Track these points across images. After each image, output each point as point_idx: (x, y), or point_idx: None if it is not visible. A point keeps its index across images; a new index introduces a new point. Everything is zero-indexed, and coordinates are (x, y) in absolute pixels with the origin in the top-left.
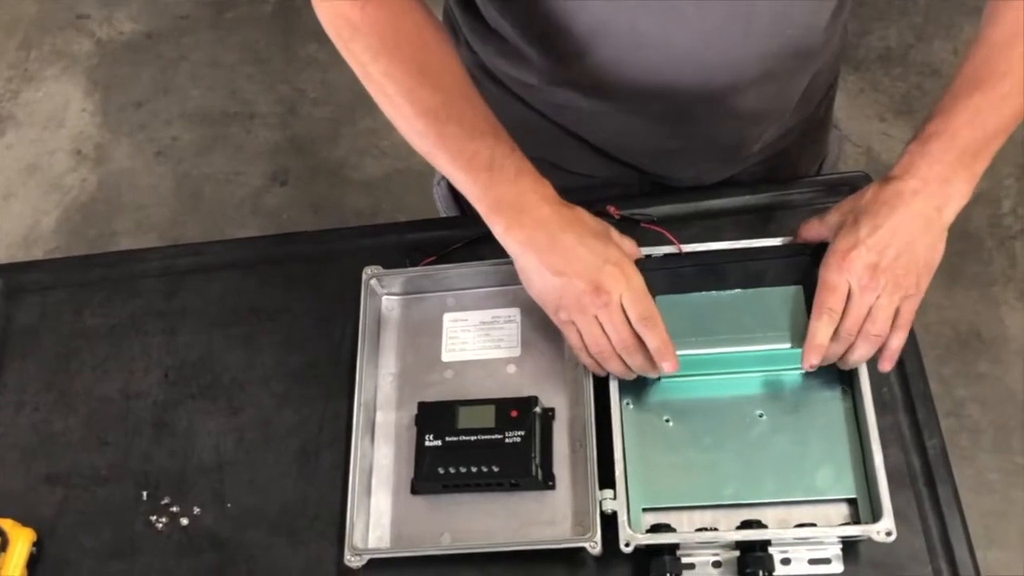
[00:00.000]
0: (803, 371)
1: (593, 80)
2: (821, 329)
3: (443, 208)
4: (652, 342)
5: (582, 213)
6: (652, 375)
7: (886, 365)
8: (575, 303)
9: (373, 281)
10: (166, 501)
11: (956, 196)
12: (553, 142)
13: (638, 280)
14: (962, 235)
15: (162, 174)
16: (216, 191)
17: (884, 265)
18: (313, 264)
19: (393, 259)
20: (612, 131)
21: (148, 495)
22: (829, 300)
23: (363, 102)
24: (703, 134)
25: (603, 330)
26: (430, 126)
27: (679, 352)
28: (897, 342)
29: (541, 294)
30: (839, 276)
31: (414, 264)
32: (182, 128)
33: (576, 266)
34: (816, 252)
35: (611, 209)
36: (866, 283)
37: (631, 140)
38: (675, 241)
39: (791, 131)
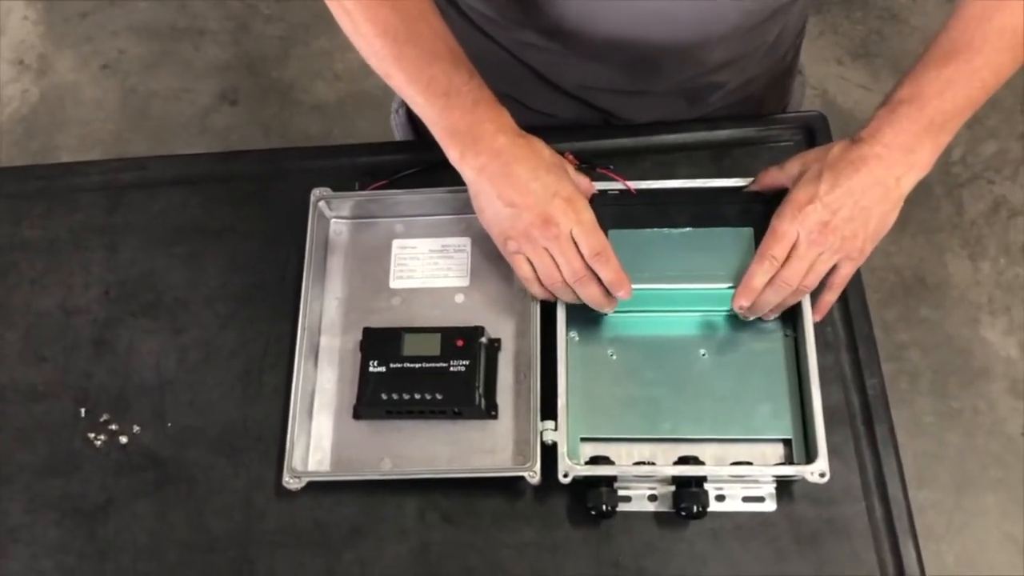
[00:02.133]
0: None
1: (557, 27)
2: (760, 274)
3: (400, 136)
4: (606, 275)
5: (538, 145)
6: (606, 310)
7: (817, 317)
8: (524, 234)
9: (322, 203)
10: (105, 418)
11: (918, 166)
12: (517, 79)
13: (589, 215)
14: None
15: (107, 88)
16: (163, 108)
17: (835, 224)
18: (261, 184)
19: (344, 182)
20: (576, 75)
21: (87, 412)
22: (775, 248)
23: (318, 21)
24: (668, 82)
25: (555, 262)
26: (388, 47)
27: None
28: (830, 297)
29: (491, 223)
30: (790, 226)
31: (363, 188)
32: (129, 41)
33: (528, 198)
34: (770, 199)
35: (568, 156)
36: (815, 238)
37: (595, 84)
38: (629, 186)
39: (757, 78)
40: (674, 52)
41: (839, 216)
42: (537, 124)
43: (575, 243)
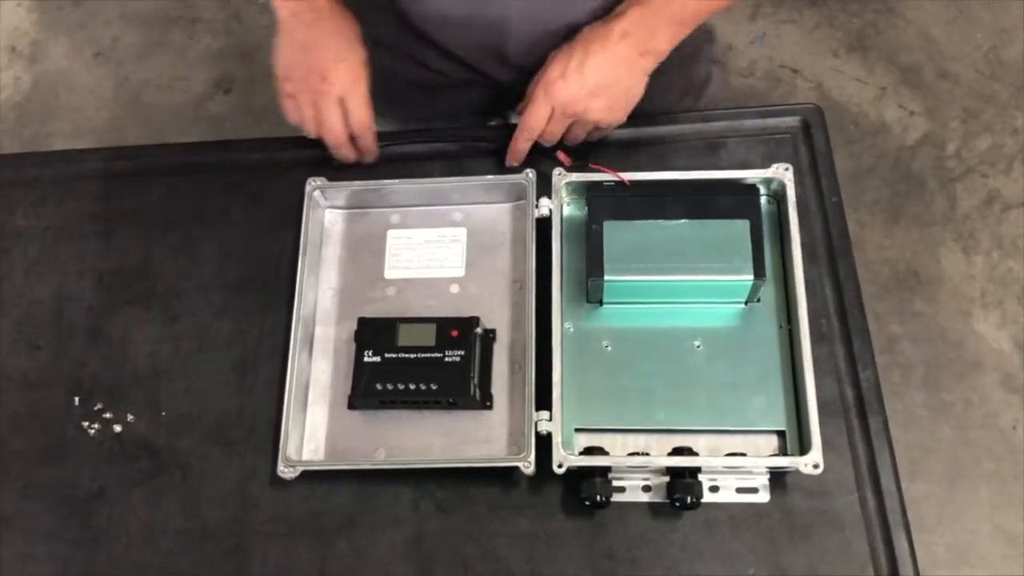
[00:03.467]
0: (743, 304)
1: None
2: (522, 141)
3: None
4: (363, 145)
5: (353, 24)
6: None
7: (516, 151)
8: (302, 80)
9: (316, 193)
10: (99, 407)
11: (657, 50)
12: (410, 41)
13: (363, 90)
14: (905, 176)
15: (101, 76)
16: (157, 96)
17: (584, 95)
18: (256, 173)
19: (338, 172)
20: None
21: (80, 400)
22: (532, 122)
23: None
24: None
25: (318, 117)
26: None
27: (625, 278)
28: (570, 137)
29: (280, 61)
30: (544, 101)
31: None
32: (122, 29)
33: (320, 52)
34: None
35: (561, 155)
36: (568, 111)
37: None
38: (623, 178)
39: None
40: (542, 37)
41: (587, 88)
42: (433, 82)
43: (343, 108)
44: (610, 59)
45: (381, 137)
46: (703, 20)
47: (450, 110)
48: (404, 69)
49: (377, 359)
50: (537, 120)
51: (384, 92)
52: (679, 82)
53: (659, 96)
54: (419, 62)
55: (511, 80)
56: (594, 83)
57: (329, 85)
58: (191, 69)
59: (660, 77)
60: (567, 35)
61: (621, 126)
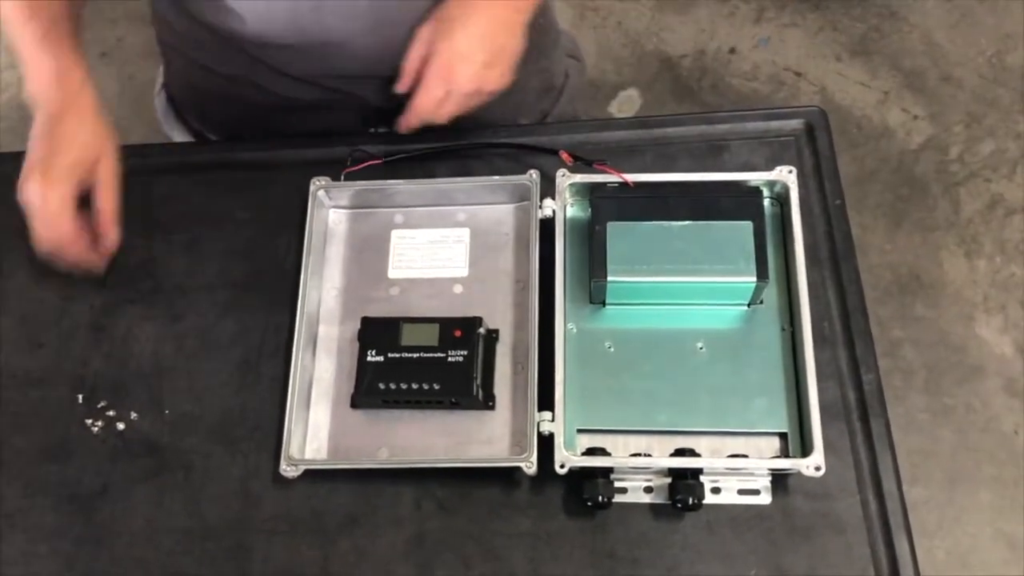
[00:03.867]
0: (746, 307)
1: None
2: (413, 123)
3: (163, 119)
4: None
5: (75, 120)
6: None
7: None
8: (21, 181)
9: (321, 192)
10: (102, 405)
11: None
12: (255, 70)
13: (55, 205)
14: (908, 180)
15: (106, 76)
16: None
17: (480, 70)
18: (260, 172)
19: (343, 171)
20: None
21: (84, 398)
22: (425, 106)
23: None
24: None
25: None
26: None
27: (628, 279)
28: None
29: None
30: (438, 85)
31: (356, 163)
32: (127, 29)
33: (31, 157)
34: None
35: (563, 155)
36: (466, 90)
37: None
38: (626, 180)
39: None
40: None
41: (479, 62)
42: (282, 106)
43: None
44: (491, 24)
45: (383, 139)
46: None
47: (327, 128)
48: (264, 100)
49: (380, 359)
50: (431, 104)
51: (252, 123)
52: (537, 80)
53: (519, 97)
54: (275, 92)
55: (377, 95)
56: (486, 56)
57: (25, 194)
58: None
59: (518, 78)
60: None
61: (623, 128)
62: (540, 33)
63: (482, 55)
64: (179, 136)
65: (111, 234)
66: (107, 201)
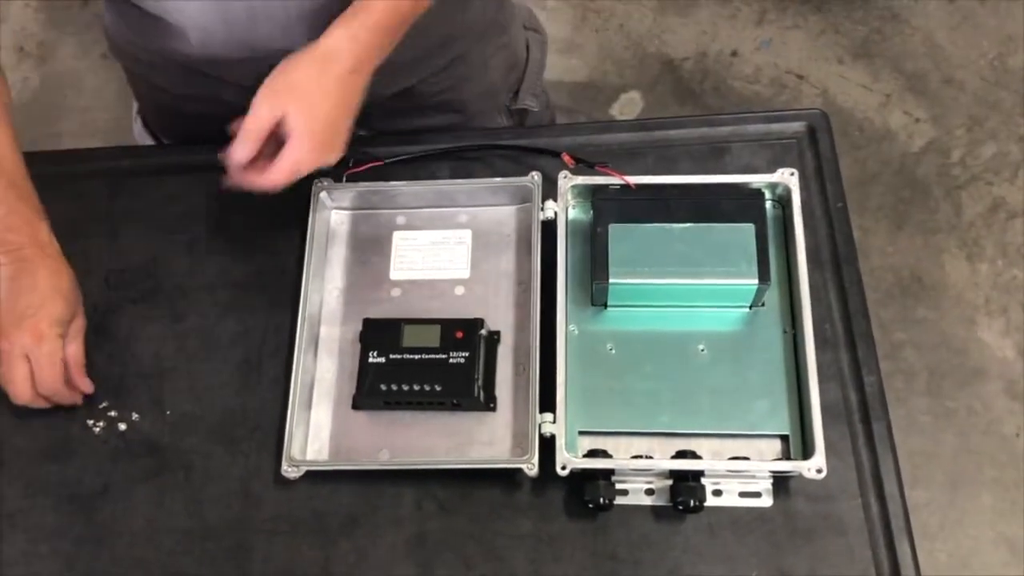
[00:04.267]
0: (747, 309)
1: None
2: (242, 185)
3: (140, 143)
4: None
5: (44, 271)
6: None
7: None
8: (5, 338)
9: (323, 194)
10: (104, 405)
11: (366, 63)
12: (208, 84)
13: (49, 347)
14: (910, 183)
15: (108, 77)
16: None
17: (325, 157)
18: None
19: (344, 173)
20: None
21: (85, 398)
22: (271, 182)
23: None
24: None
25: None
26: None
27: (630, 281)
28: None
29: None
30: (289, 169)
31: (358, 164)
32: None
33: (10, 305)
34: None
35: (565, 157)
36: (305, 173)
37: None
38: (628, 182)
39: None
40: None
41: (330, 147)
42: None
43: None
44: (343, 105)
45: (385, 141)
46: (409, 22)
47: None
48: (234, 113)
49: (382, 360)
50: (274, 181)
51: (228, 139)
52: (501, 58)
53: (486, 77)
54: (242, 106)
55: None
56: (337, 141)
57: (9, 344)
58: None
59: (483, 59)
60: None
61: (625, 130)
62: (497, 9)
63: (334, 140)
64: None
65: (85, 385)
66: (80, 355)
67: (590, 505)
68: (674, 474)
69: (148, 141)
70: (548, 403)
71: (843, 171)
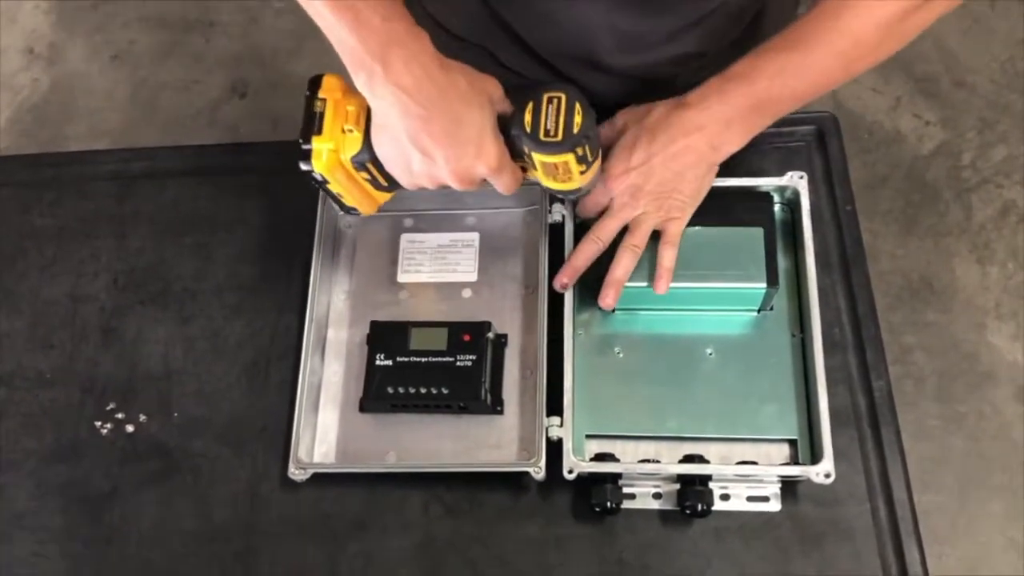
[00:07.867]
0: (756, 312)
1: None
2: (584, 250)
3: None
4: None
5: (455, 76)
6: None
7: (660, 286)
8: (437, 184)
9: None
10: (111, 407)
11: (731, 141)
12: (491, 33)
13: (496, 152)
14: (920, 186)
15: (117, 79)
16: (173, 100)
17: (648, 189)
18: (270, 176)
19: None
20: (551, 39)
21: (93, 400)
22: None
23: None
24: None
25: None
26: None
27: (638, 284)
28: (668, 261)
29: (398, 166)
30: (603, 194)
31: None
32: (139, 32)
33: (442, 150)
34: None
35: None
36: (626, 201)
37: (568, 52)
38: None
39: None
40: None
41: (652, 181)
42: (507, 83)
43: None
44: (679, 150)
45: None
46: (790, 110)
47: None
48: (481, 65)
49: (389, 362)
50: (593, 211)
51: None
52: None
53: None
54: (503, 64)
55: (604, 89)
56: (659, 176)
57: (471, 181)
58: (207, 73)
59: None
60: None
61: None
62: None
63: (659, 174)
64: None
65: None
66: None
67: (597, 509)
68: (681, 478)
69: None
70: (555, 407)
71: (852, 174)
